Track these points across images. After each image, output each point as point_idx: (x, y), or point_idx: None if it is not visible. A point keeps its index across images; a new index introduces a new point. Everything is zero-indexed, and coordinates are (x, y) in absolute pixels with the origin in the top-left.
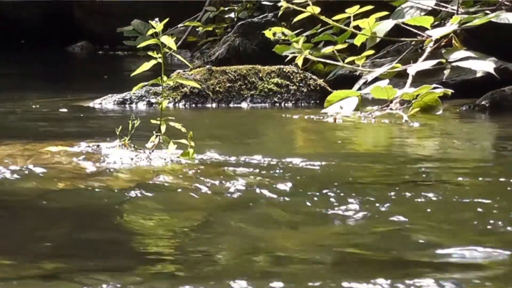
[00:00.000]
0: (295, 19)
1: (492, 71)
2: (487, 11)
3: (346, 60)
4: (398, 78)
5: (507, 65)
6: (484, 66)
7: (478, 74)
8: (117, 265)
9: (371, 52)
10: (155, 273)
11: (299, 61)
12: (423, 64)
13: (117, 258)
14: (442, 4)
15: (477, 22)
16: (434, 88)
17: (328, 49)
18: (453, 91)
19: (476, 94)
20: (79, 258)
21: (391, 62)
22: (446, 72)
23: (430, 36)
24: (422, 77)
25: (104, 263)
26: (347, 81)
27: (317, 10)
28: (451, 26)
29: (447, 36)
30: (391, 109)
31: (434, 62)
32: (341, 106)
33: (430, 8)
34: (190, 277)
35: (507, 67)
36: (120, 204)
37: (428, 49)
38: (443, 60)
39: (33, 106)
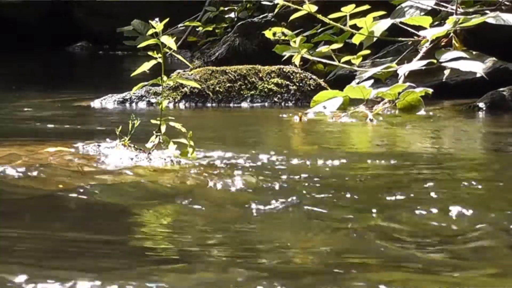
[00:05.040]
0: (291, 17)
1: (481, 73)
2: (487, 11)
3: (342, 60)
4: (397, 78)
5: (507, 65)
6: (473, 67)
7: (478, 75)
8: (117, 265)
9: (368, 51)
10: (155, 273)
11: (296, 60)
12: (413, 65)
13: (117, 258)
14: (442, 3)
15: (472, 22)
16: (410, 87)
17: (324, 49)
18: (433, 90)
19: (476, 94)
20: (78, 258)
21: (391, 62)
22: (446, 72)
23: (426, 37)
24: (421, 77)
25: (104, 263)
26: (347, 81)
27: (313, 8)
28: (446, 26)
29: (447, 36)
30: (365, 108)
31: (424, 62)
32: (324, 106)
33: (429, 8)
34: (191, 276)
35: (507, 67)
36: (120, 204)
37: (424, 49)
38: (434, 61)
39: (33, 106)
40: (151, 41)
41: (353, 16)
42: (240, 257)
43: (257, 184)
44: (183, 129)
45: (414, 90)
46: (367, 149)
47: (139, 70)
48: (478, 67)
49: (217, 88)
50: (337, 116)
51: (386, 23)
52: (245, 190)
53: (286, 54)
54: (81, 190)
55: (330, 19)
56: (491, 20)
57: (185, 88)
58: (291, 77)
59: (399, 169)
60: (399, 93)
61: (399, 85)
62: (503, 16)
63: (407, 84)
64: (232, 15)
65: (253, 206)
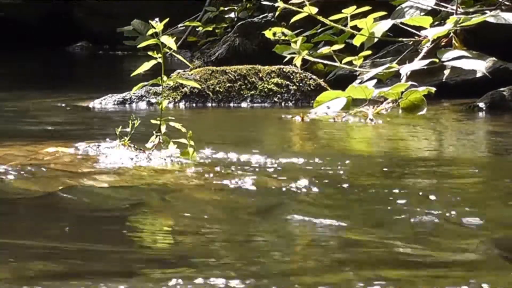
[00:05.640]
0: (293, 19)
1: (484, 71)
2: (487, 11)
3: (344, 61)
4: (398, 78)
5: (507, 65)
6: (476, 65)
7: (478, 74)
8: (119, 265)
9: (369, 52)
10: (156, 273)
11: (297, 62)
12: (415, 64)
13: (118, 258)
14: (442, 4)
15: (473, 21)
16: (412, 86)
17: (325, 50)
18: (436, 89)
19: (476, 94)
20: (79, 258)
21: (391, 62)
22: (446, 72)
23: (427, 36)
24: (421, 77)
25: (105, 263)
26: (348, 81)
27: (314, 10)
28: (447, 26)
29: (447, 35)
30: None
31: (426, 62)
32: (328, 106)
33: (430, 8)
34: (192, 277)
35: (507, 67)
36: (120, 203)
37: (425, 49)
38: (436, 60)
39: (33, 106)
40: (151, 41)
41: (353, 16)
42: (239, 258)
43: (258, 185)
44: (183, 129)
45: (417, 89)
46: (368, 149)
47: (139, 70)
48: (480, 66)
49: (217, 88)
50: (339, 116)
51: (387, 23)
52: (246, 191)
53: (287, 55)
54: (81, 191)
55: (330, 20)
56: (491, 19)
57: (185, 88)
58: (291, 77)
59: (400, 169)
60: (402, 93)
61: (401, 84)
62: (504, 15)
63: (409, 83)
64: (232, 15)
65: (254, 207)
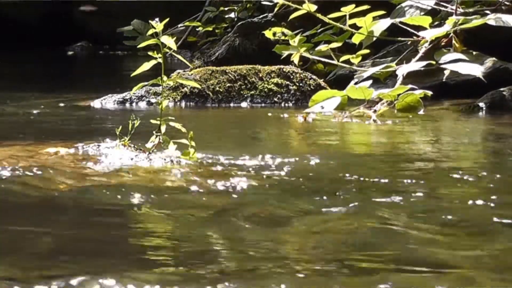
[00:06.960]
0: (291, 16)
1: (480, 76)
2: (487, 11)
3: (341, 59)
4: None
5: (507, 65)
6: (472, 70)
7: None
8: (119, 265)
9: (367, 51)
10: (156, 273)
11: (295, 59)
12: (412, 65)
13: (118, 258)
14: (442, 3)
15: (472, 24)
16: (411, 89)
17: (323, 47)
18: (432, 93)
19: (476, 94)
20: (79, 258)
21: (390, 62)
22: (446, 72)
23: (425, 37)
24: (421, 77)
25: (105, 264)
26: (347, 81)
27: (313, 7)
28: (446, 27)
29: (447, 35)
30: (370, 109)
31: (424, 63)
32: (322, 106)
33: (429, 8)
34: (192, 277)
35: (507, 67)
36: (120, 204)
37: (423, 50)
38: (433, 62)
39: (33, 107)
40: (151, 41)
41: (353, 15)
42: (242, 258)
43: (258, 186)
44: (183, 129)
45: (413, 92)
46: (368, 149)
47: (139, 70)
48: (477, 70)
49: (217, 88)
50: (341, 116)
51: (386, 22)
52: (247, 192)
53: (285, 53)
54: (81, 191)
55: (330, 18)
56: (491, 22)
57: (185, 88)
58: (291, 77)
59: (400, 170)
60: (398, 95)
61: (400, 87)
62: (503, 17)
63: (409, 86)
64: (232, 15)
65: (254, 207)
